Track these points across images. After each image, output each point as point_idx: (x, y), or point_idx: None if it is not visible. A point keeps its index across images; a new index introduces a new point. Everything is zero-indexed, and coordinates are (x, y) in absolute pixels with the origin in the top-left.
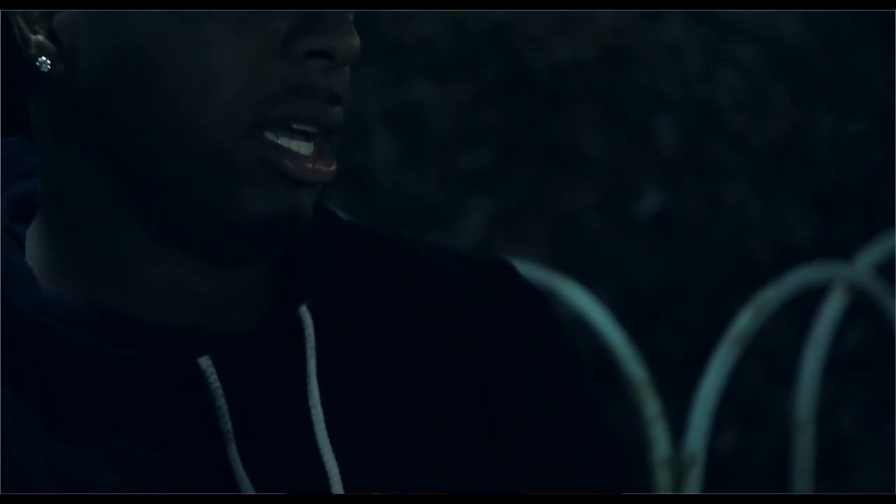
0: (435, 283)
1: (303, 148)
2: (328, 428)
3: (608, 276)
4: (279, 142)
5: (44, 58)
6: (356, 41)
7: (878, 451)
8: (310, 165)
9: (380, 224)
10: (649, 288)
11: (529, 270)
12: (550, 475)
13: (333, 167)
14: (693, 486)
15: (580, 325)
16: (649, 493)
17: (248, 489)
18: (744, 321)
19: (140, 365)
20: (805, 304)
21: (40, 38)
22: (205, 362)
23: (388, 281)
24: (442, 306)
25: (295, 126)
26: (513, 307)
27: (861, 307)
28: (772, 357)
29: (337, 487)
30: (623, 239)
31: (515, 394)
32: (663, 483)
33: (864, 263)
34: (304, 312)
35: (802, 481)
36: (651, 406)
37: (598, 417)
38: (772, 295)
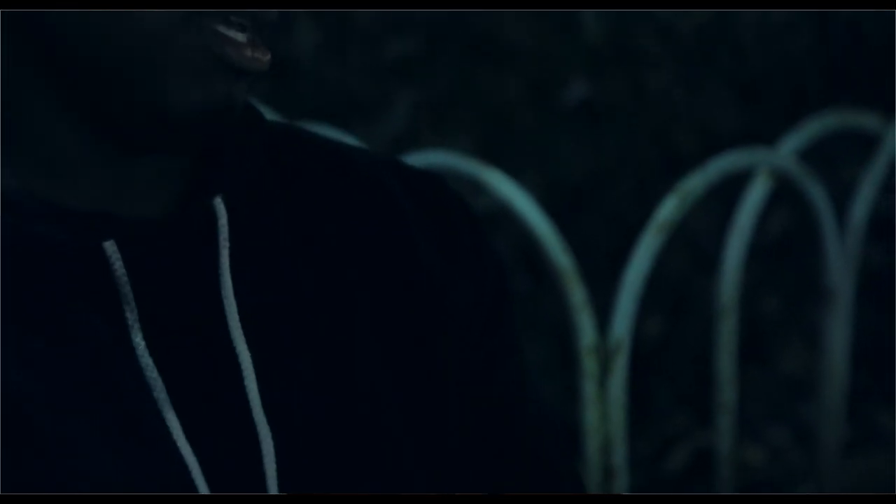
0: (364, 186)
1: (239, 37)
2: (242, 321)
3: (534, 166)
4: (218, 29)
5: None
6: None
7: (800, 335)
8: (249, 53)
9: (306, 124)
10: (575, 177)
11: (455, 161)
12: (466, 384)
13: (269, 57)
14: (619, 373)
15: (506, 215)
16: (650, 493)
17: (155, 379)
18: (668, 208)
19: (47, 245)
20: (729, 191)
21: None
22: (110, 247)
23: (314, 182)
24: (371, 209)
25: (232, 18)
26: (442, 216)
27: (785, 193)
28: (696, 244)
29: (249, 376)
30: (549, 128)
31: (443, 299)
32: (590, 369)
33: (788, 149)
34: (219, 204)
35: (726, 366)
36: (577, 293)
37: (514, 337)
38: (696, 182)
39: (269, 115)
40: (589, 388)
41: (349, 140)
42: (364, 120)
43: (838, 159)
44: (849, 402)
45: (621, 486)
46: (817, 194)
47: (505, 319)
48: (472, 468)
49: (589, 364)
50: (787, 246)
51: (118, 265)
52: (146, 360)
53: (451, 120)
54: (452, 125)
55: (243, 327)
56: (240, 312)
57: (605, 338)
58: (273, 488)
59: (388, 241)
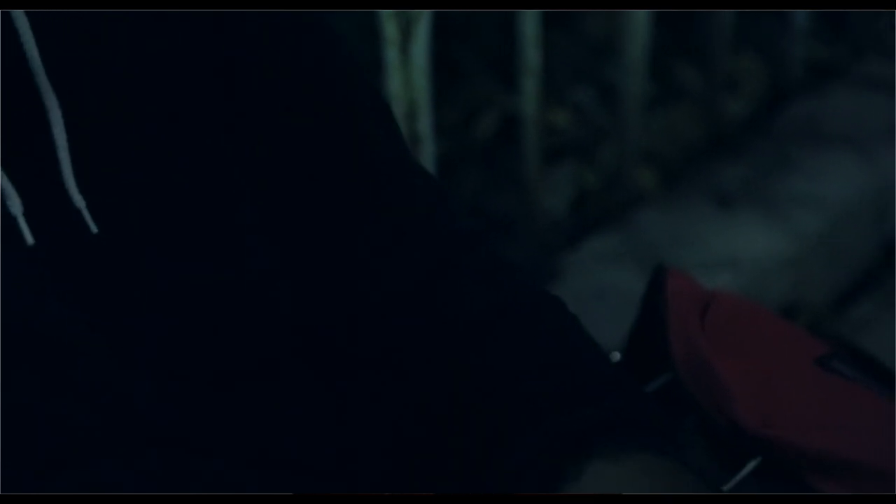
0: None
1: None
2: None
3: None
4: None
5: None
6: None
7: None
8: None
9: None
10: None
11: None
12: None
13: None
14: (421, 39)
15: None
16: (649, 493)
17: None
18: None
19: None
20: None
21: None
22: None
23: None
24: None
25: None
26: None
27: None
28: None
29: (57, 123)
30: None
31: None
32: (391, 36)
33: None
34: None
35: (531, 30)
36: None
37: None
38: None
39: None
40: (391, 55)
41: None
42: None
43: None
44: (651, 60)
45: (427, 152)
46: None
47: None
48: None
49: (390, 30)
50: None
51: None
52: None
53: None
54: None
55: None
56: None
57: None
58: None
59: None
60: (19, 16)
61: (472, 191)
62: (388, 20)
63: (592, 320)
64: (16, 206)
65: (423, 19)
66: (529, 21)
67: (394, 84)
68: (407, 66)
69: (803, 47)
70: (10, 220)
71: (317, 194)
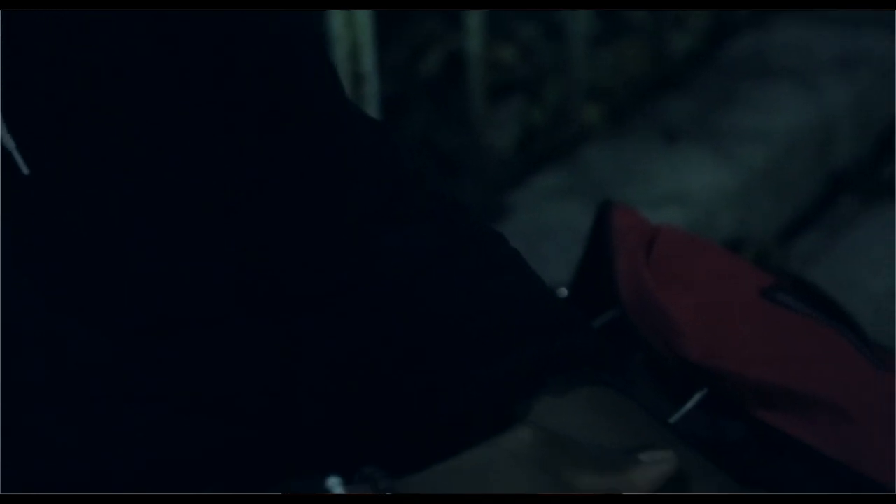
0: None
1: None
2: None
3: None
4: None
5: None
6: None
7: None
8: None
9: None
10: None
11: None
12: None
13: None
14: None
15: None
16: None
17: None
18: None
19: None
20: None
21: None
22: None
23: None
24: None
25: None
26: None
27: None
28: None
29: None
30: None
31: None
32: None
33: None
34: None
35: None
36: None
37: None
38: None
39: None
40: None
41: None
42: None
43: None
44: None
45: (372, 92)
46: None
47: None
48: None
49: None
50: None
51: None
52: None
53: None
54: None
55: None
56: None
57: None
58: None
59: None
60: None
61: (419, 130)
62: None
63: (540, 257)
64: None
65: None
66: None
67: (336, 24)
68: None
69: None
70: None
71: (256, 140)
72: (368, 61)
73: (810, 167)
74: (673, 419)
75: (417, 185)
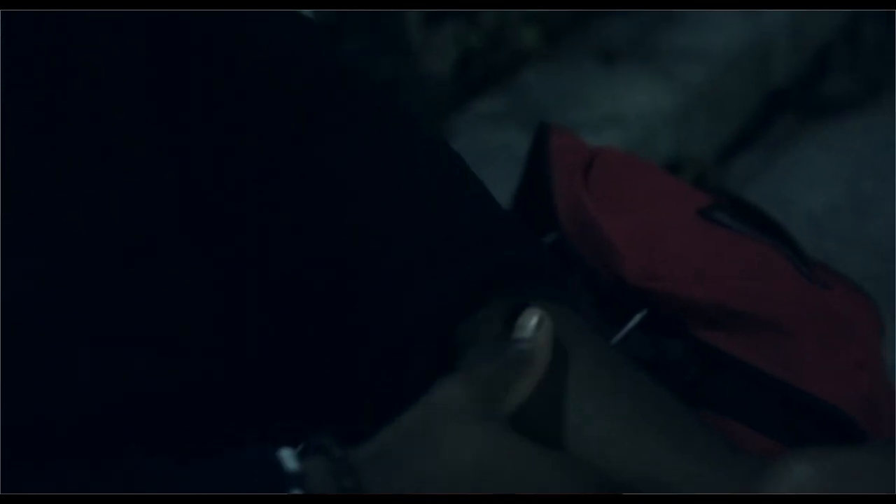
0: None
1: None
2: None
3: None
4: None
5: None
6: None
7: None
8: None
9: None
10: None
11: None
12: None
13: None
14: None
15: None
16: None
17: None
18: None
19: None
20: None
21: None
22: None
23: None
24: None
25: None
26: None
27: None
28: None
29: None
30: None
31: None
32: None
33: None
34: None
35: None
36: None
37: None
38: None
39: None
40: None
41: None
42: None
43: None
44: None
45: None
46: None
47: None
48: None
49: None
50: None
51: None
52: None
53: None
54: None
55: None
56: None
57: None
58: None
59: None
60: None
61: (355, 57)
62: None
63: None
64: None
65: None
66: None
67: None
68: None
69: None
70: None
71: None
72: None
73: (748, 86)
74: (614, 341)
75: (352, 84)
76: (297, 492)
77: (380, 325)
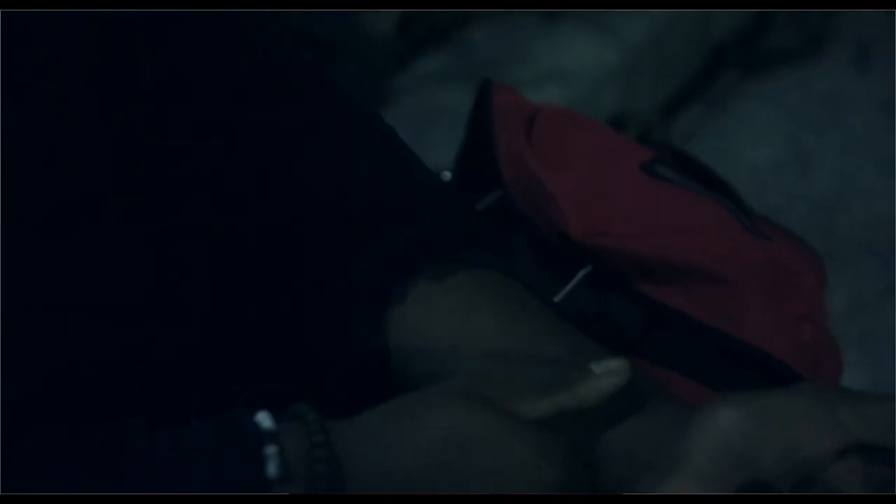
0: None
1: None
2: None
3: None
4: None
5: None
6: None
7: None
8: None
9: None
10: None
11: None
12: None
13: None
14: None
15: None
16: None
17: None
18: None
19: None
20: None
21: None
22: None
23: None
24: None
25: None
26: None
27: None
28: None
29: None
30: None
31: None
32: None
33: None
34: None
35: None
36: None
37: None
38: None
39: None
40: None
41: None
42: None
43: None
44: None
45: None
46: None
47: None
48: None
49: None
50: None
51: None
52: None
53: None
54: None
55: None
56: None
57: None
58: None
59: None
60: None
61: (295, 15)
62: None
63: (426, 142)
64: None
65: None
66: None
67: None
68: None
69: None
70: None
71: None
72: None
73: (690, 41)
74: (558, 297)
75: (285, 60)
76: (272, 449)
77: (320, 289)
